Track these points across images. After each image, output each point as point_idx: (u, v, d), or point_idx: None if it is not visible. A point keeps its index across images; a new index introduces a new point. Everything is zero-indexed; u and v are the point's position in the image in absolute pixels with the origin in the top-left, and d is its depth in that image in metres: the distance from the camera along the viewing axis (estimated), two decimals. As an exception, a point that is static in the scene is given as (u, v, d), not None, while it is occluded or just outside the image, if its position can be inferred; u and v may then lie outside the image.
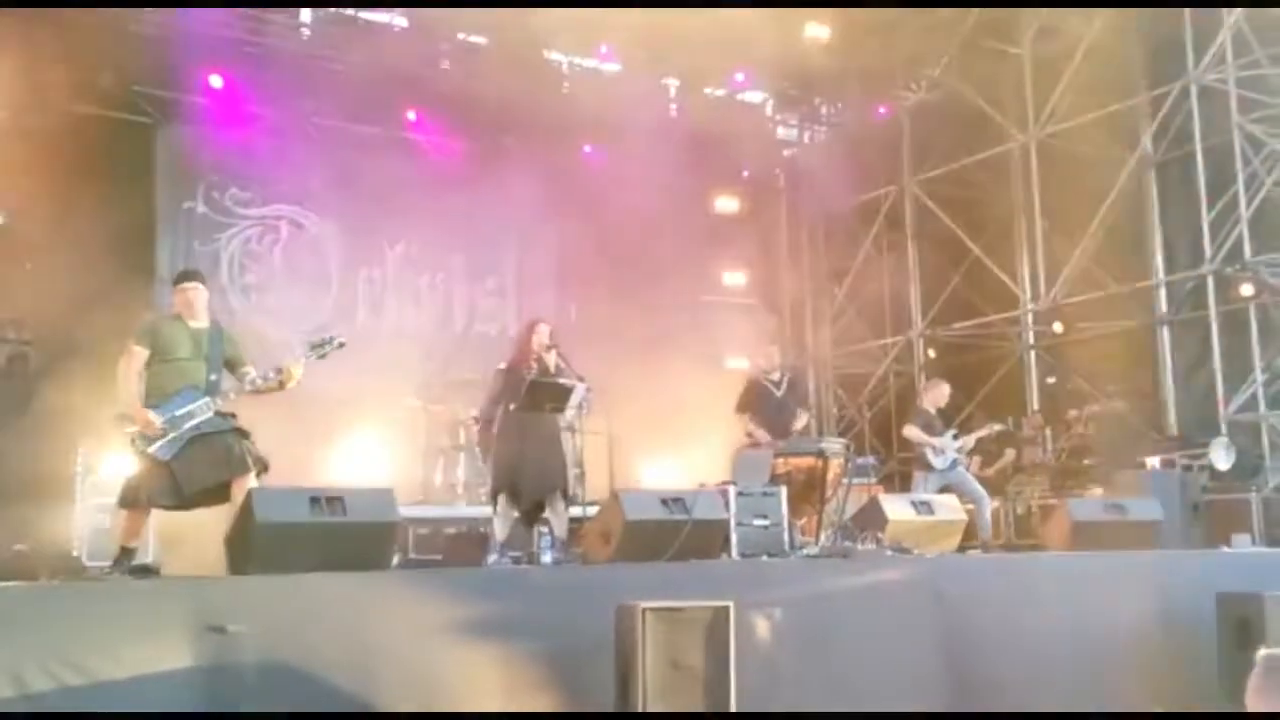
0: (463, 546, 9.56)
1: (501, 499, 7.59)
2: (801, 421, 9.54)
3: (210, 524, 6.14)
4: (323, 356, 6.42)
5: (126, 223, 11.46)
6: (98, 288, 10.31)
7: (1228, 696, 6.07)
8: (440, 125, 13.32)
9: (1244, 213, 11.28)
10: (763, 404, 9.38)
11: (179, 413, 5.98)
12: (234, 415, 6.16)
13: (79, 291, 10.37)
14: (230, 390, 6.17)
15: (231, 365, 6.33)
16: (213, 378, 6.17)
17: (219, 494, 6.02)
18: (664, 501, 6.28)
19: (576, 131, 13.72)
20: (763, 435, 9.17)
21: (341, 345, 6.48)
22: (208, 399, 6.07)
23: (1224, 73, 11.54)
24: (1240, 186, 11.32)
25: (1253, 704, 2.50)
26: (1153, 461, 11.34)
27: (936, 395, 10.46)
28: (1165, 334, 12.98)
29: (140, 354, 6.10)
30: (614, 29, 13.33)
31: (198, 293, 6.37)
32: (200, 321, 6.30)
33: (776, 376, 9.57)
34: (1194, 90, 11.79)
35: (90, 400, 8.50)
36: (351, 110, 12.80)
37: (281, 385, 6.22)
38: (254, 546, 5.09)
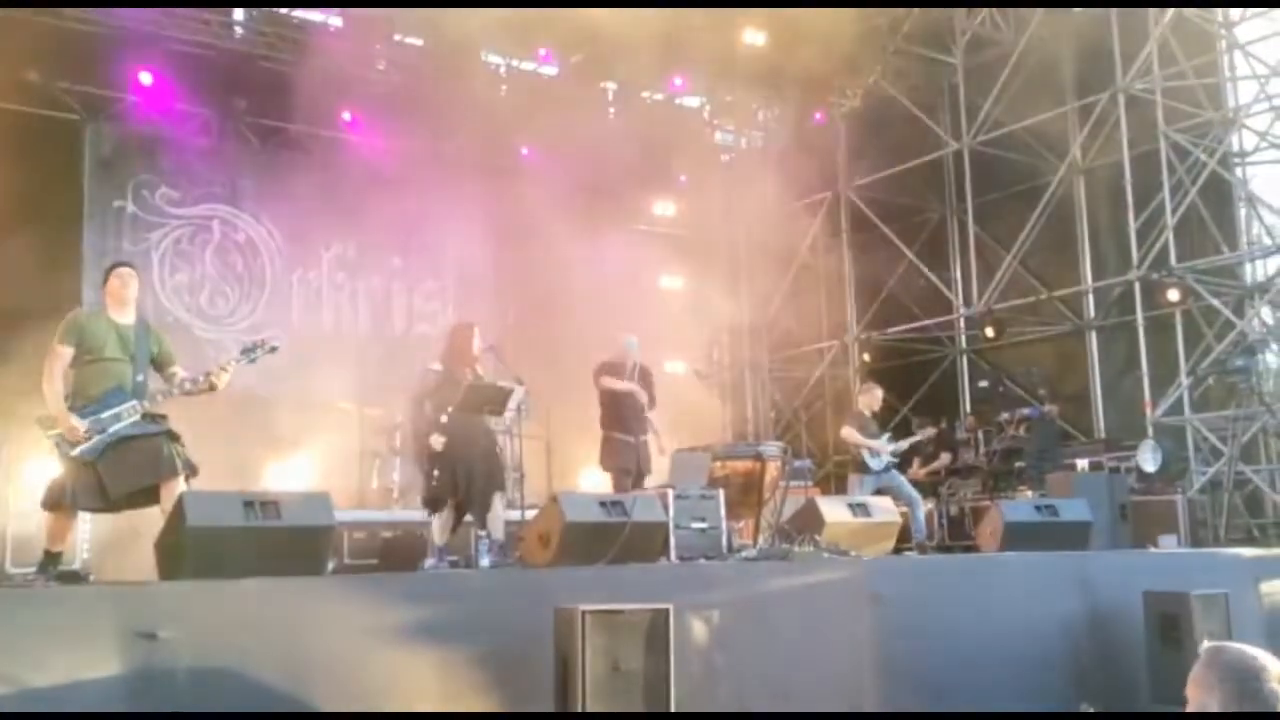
0: (398, 551, 9.46)
1: (443, 505, 7.54)
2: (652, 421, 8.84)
3: (142, 529, 6.02)
4: (254, 360, 6.32)
5: (53, 222, 11.25)
6: (22, 288, 10.09)
7: (1155, 693, 6.20)
8: (376, 126, 13.22)
9: (1170, 220, 11.54)
10: (614, 397, 8.73)
11: (105, 414, 5.84)
12: (164, 417, 6.04)
13: (3, 291, 10.14)
14: (159, 393, 6.04)
15: (159, 365, 6.18)
16: (139, 378, 6.01)
17: (147, 497, 5.90)
18: (603, 504, 6.26)
19: (514, 134, 13.68)
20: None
21: (274, 349, 6.37)
22: (135, 401, 5.93)
23: (1150, 82, 11.81)
24: (1166, 194, 11.58)
25: (1192, 695, 2.53)
26: (1082, 464, 11.55)
27: (870, 399, 10.59)
28: (1093, 339, 13.24)
29: (65, 353, 5.93)
30: (552, 31, 13.32)
31: (132, 277, 6.21)
32: (127, 318, 6.13)
33: (629, 366, 8.82)
34: (1121, 99, 12.04)
35: (14, 403, 8.32)
36: (285, 110, 12.67)
37: (211, 387, 6.11)
38: (186, 551, 4.99)
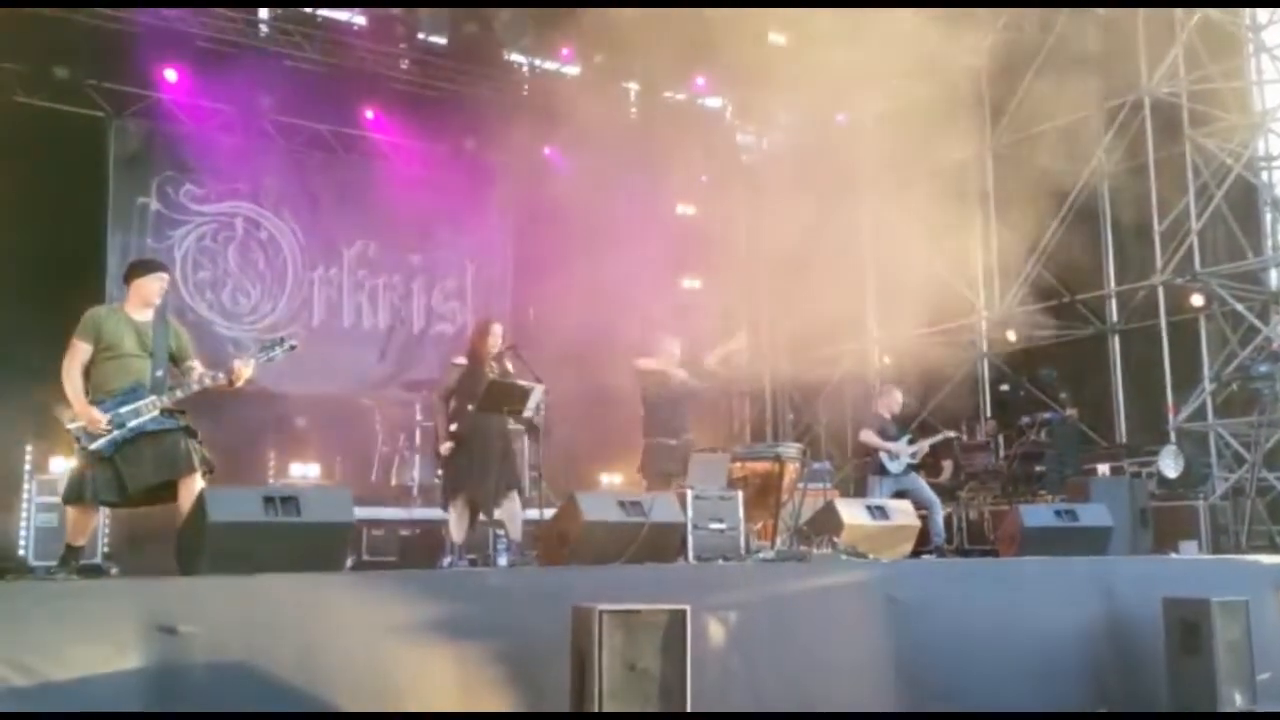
0: (417, 548, 9.52)
1: (457, 501, 7.57)
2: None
3: (162, 523, 6.07)
4: (272, 359, 6.37)
5: (78, 218, 11.34)
6: (47, 284, 10.18)
7: (1174, 700, 6.16)
8: (399, 125, 13.27)
9: (1194, 224, 11.46)
10: (657, 399, 8.71)
11: (124, 410, 5.90)
12: (183, 413, 6.08)
13: (27, 287, 10.23)
14: (178, 389, 6.09)
15: (177, 360, 6.23)
16: (158, 374, 6.07)
17: (164, 493, 5.96)
18: (621, 504, 6.27)
19: (536, 133, 13.69)
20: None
21: (293, 348, 6.42)
22: (154, 397, 5.98)
23: (1176, 86, 11.74)
24: (1191, 198, 11.51)
25: None
26: (1102, 469, 11.48)
27: (890, 401, 10.57)
28: (1116, 343, 13.16)
29: (84, 348, 6.01)
30: (575, 31, 13.33)
31: (164, 283, 6.27)
32: (145, 315, 6.19)
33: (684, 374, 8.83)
34: (1147, 103, 11.97)
35: (38, 397, 8.39)
36: (309, 108, 12.73)
37: (230, 384, 6.16)
38: (206, 546, 5.03)
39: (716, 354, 9.06)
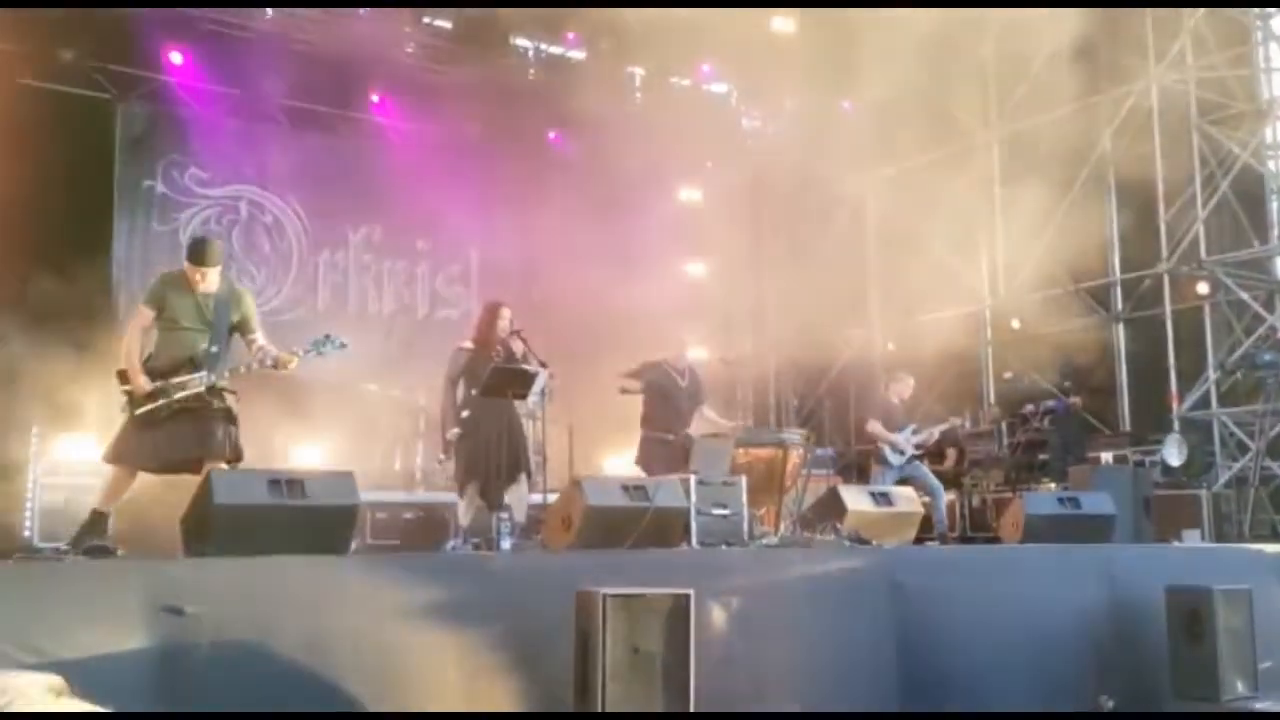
0: (420, 532, 9.54)
1: (469, 486, 7.59)
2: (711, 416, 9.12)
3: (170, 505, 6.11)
4: (321, 354, 6.45)
5: (83, 200, 11.33)
6: (53, 266, 10.19)
7: (1177, 688, 6.18)
8: (404, 109, 13.23)
9: (1200, 212, 11.44)
10: (658, 394, 8.96)
11: (173, 381, 6.05)
12: (233, 393, 6.21)
13: (34, 269, 10.23)
14: (241, 366, 6.26)
15: (242, 331, 6.38)
16: (213, 349, 6.19)
17: (194, 468, 6.04)
18: (625, 489, 6.28)
19: (542, 118, 13.66)
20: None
21: (344, 346, 6.48)
22: (204, 373, 6.11)
23: (1184, 74, 11.70)
24: (1198, 186, 11.49)
25: None
26: (1106, 457, 11.49)
27: (901, 388, 10.53)
28: (1120, 331, 13.16)
29: (147, 314, 6.20)
30: (580, 17, 13.30)
31: (206, 276, 6.30)
32: (209, 287, 6.28)
33: (682, 366, 9.13)
34: (1154, 90, 11.93)
35: (45, 379, 8.41)
36: (314, 91, 12.69)
37: (275, 366, 6.28)
38: (212, 528, 5.04)
39: (717, 416, 9.25)
